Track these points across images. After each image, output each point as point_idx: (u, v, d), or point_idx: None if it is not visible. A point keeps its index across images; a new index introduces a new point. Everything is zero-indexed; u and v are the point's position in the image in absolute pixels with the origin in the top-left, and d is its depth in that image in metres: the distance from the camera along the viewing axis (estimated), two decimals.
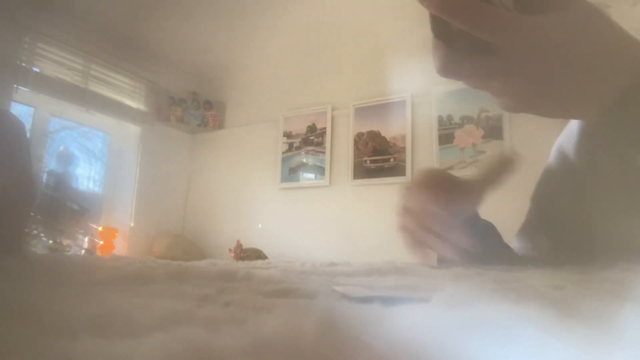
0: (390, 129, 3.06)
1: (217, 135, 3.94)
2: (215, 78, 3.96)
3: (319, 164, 3.34)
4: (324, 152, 3.33)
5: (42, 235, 2.69)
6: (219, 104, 3.97)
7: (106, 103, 3.32)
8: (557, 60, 0.31)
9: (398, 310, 0.15)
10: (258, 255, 2.98)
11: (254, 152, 3.69)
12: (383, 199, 2.90)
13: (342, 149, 3.24)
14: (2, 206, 0.41)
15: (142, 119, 3.58)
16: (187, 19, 3.07)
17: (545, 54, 0.31)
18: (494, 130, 2.66)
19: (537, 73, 0.32)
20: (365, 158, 3.11)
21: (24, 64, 2.81)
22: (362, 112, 3.21)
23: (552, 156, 0.52)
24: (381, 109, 3.11)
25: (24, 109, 2.96)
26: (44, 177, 2.88)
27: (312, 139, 3.41)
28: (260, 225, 3.48)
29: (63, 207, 2.85)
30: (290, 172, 3.46)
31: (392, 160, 3.01)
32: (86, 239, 3.02)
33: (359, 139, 3.17)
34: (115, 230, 3.27)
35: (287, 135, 3.53)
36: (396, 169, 2.98)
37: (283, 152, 3.52)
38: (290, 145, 3.50)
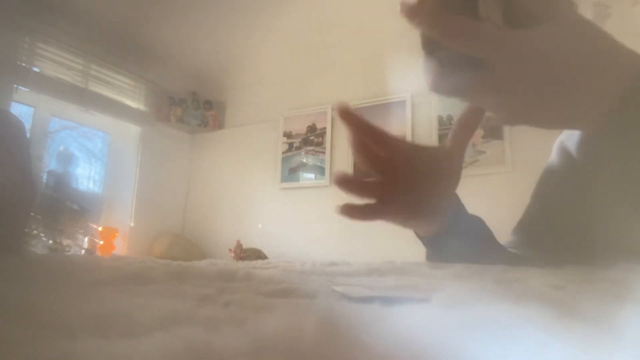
0: (390, 129, 3.01)
1: (217, 135, 3.94)
2: (215, 78, 3.96)
3: (319, 164, 3.34)
4: (324, 152, 3.33)
5: (42, 235, 2.69)
6: (219, 104, 3.97)
7: (106, 103, 3.32)
8: (548, 74, 0.31)
9: (398, 310, 0.15)
10: (258, 255, 2.98)
11: (254, 152, 3.69)
12: None
13: (342, 149, 3.24)
14: (2, 206, 0.41)
15: (142, 119, 3.58)
16: (187, 19, 3.07)
17: (535, 68, 0.31)
18: (493, 130, 2.67)
19: (529, 87, 0.32)
20: None
21: (24, 64, 2.80)
22: (362, 112, 3.19)
23: (553, 153, 0.52)
24: (381, 109, 3.11)
25: (24, 109, 2.96)
26: (44, 177, 2.87)
27: (312, 139, 3.41)
28: (260, 225, 3.48)
29: (63, 207, 2.85)
30: (290, 172, 3.46)
31: None
32: (86, 239, 3.02)
33: None
34: (115, 230, 3.27)
35: (287, 135, 3.53)
36: None
37: (283, 152, 3.52)
38: (290, 145, 3.50)
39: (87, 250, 2.99)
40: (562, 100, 0.33)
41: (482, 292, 0.22)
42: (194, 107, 3.89)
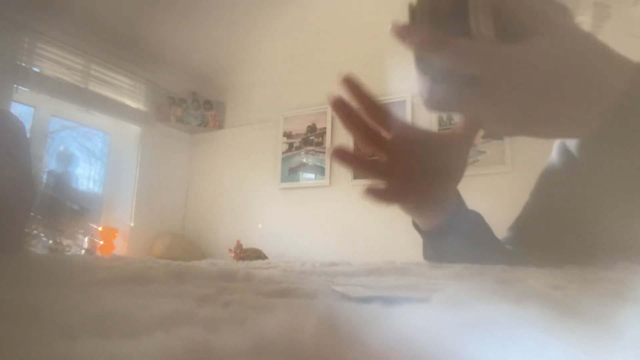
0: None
1: (217, 135, 3.94)
2: (215, 78, 3.96)
3: (319, 164, 3.34)
4: (324, 152, 3.33)
5: (42, 235, 2.69)
6: (219, 104, 3.97)
7: (106, 103, 3.32)
8: (541, 87, 0.31)
9: (398, 310, 0.15)
10: (258, 255, 2.98)
11: (254, 152, 3.69)
12: None
13: None
14: (2, 206, 0.41)
15: (142, 119, 3.58)
16: (187, 19, 3.07)
17: (528, 82, 0.31)
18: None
19: (523, 101, 0.32)
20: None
21: (24, 64, 2.81)
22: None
23: (554, 152, 0.52)
24: None
25: (24, 109, 2.96)
26: (44, 177, 2.87)
27: (312, 139, 3.41)
28: (260, 225, 3.48)
29: (63, 207, 2.85)
30: (290, 172, 3.46)
31: None
32: (86, 239, 3.02)
33: None
34: (115, 230, 3.27)
35: (287, 135, 3.53)
36: None
37: (283, 152, 3.52)
38: (290, 145, 3.50)
39: (87, 250, 2.99)
40: (557, 112, 0.33)
41: (482, 292, 0.22)
42: (194, 107, 3.89)
